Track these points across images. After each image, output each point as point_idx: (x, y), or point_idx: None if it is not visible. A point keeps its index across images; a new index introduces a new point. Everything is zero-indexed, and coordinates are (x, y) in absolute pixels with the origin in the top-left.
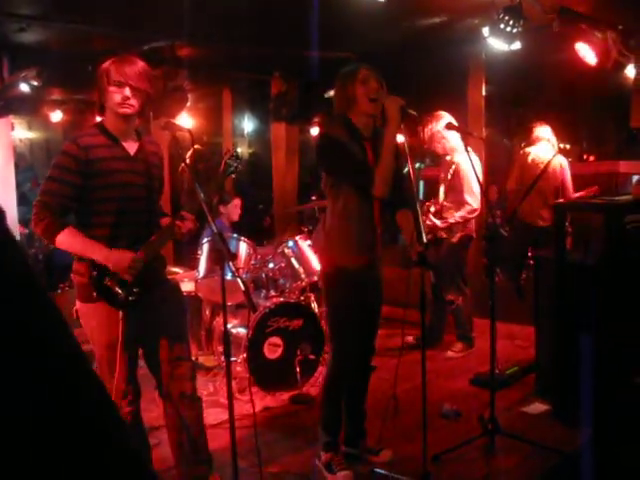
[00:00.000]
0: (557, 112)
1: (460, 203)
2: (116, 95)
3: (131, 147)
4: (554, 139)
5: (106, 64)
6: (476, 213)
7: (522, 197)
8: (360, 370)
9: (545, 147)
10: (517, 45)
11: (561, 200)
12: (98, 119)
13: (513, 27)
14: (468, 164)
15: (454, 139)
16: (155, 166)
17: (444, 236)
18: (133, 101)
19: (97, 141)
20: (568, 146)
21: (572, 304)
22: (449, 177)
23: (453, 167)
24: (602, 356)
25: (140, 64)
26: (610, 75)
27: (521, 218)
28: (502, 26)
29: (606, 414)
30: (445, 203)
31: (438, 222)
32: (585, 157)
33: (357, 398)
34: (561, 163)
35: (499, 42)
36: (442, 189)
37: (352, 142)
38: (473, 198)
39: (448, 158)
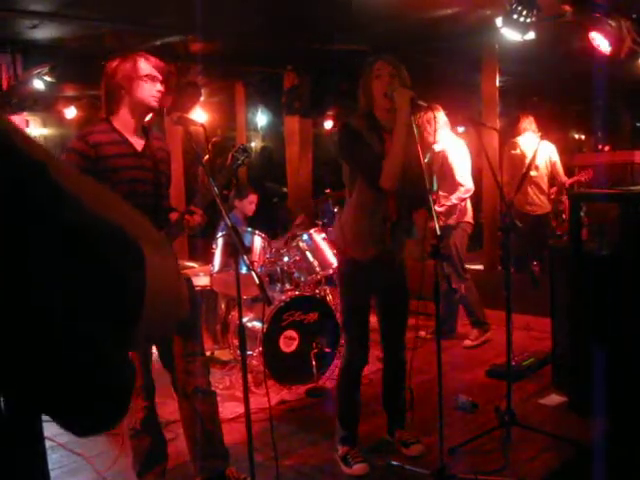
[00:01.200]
0: (572, 102)
1: (453, 187)
2: (150, 88)
3: (138, 143)
4: (536, 129)
5: (125, 61)
6: (470, 192)
7: (516, 188)
8: (393, 367)
9: (530, 137)
10: (531, 35)
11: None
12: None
13: (526, 17)
14: (455, 150)
15: (443, 130)
16: (162, 161)
17: (443, 223)
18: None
19: (105, 138)
20: (583, 136)
21: (588, 295)
22: (439, 166)
23: (440, 155)
24: (619, 348)
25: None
26: (625, 64)
27: (517, 208)
28: (515, 16)
29: (623, 406)
30: (440, 192)
31: (437, 207)
32: (600, 147)
33: (393, 393)
34: (549, 149)
35: (513, 32)
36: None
37: (371, 133)
38: (464, 178)
39: (437, 149)
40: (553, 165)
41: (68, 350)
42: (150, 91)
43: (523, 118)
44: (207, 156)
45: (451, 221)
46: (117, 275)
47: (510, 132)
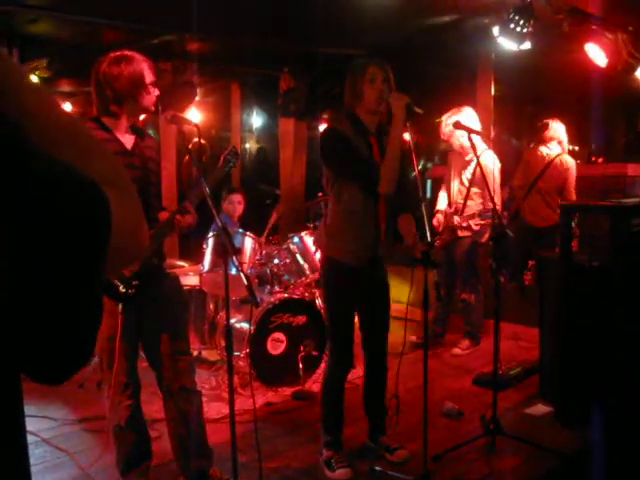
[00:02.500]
0: (566, 113)
1: (484, 202)
2: (151, 97)
3: (128, 141)
4: (566, 139)
5: (129, 64)
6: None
7: (523, 196)
8: (375, 372)
9: (555, 147)
10: (527, 45)
11: (561, 202)
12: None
13: (523, 27)
14: (490, 164)
15: (474, 137)
16: (151, 160)
17: (464, 235)
18: None
19: (95, 136)
20: (577, 147)
21: (577, 306)
22: (469, 176)
23: (476, 167)
24: (606, 359)
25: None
26: (620, 77)
27: (522, 217)
28: (512, 26)
29: (609, 417)
30: (470, 203)
31: (472, 224)
32: (593, 159)
33: (375, 398)
34: (564, 163)
35: (509, 42)
36: (456, 186)
37: (357, 137)
38: (498, 198)
39: (467, 158)
40: (566, 180)
41: (37, 285)
42: (153, 98)
43: (550, 125)
44: (197, 156)
45: (483, 239)
46: (83, 219)
47: (527, 141)
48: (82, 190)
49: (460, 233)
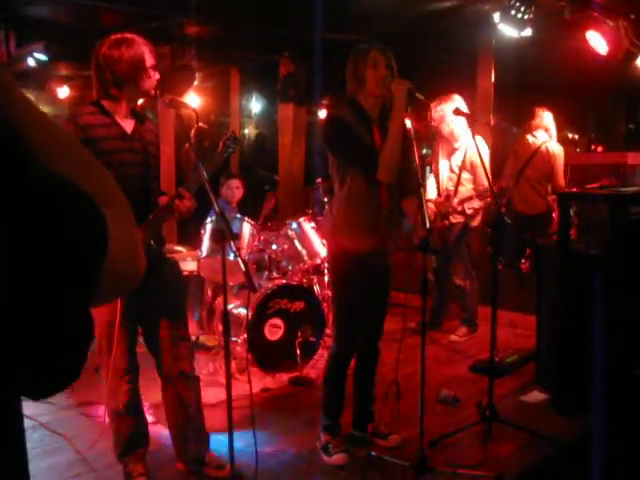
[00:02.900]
0: (566, 101)
1: (480, 188)
2: (152, 81)
3: (128, 125)
4: (554, 127)
5: (130, 47)
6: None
7: (513, 185)
8: (368, 354)
9: (541, 135)
10: (528, 32)
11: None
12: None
13: (524, 14)
14: (480, 151)
15: (463, 125)
16: (151, 144)
17: (456, 221)
18: None
19: (95, 120)
20: (577, 136)
21: (574, 294)
22: (459, 162)
23: (466, 155)
24: (602, 347)
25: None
26: (621, 65)
27: (513, 206)
28: (513, 12)
29: (605, 405)
30: (461, 189)
31: (466, 208)
32: (593, 147)
33: (366, 381)
34: (550, 151)
35: (510, 28)
36: (446, 173)
37: (359, 124)
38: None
39: (456, 145)
40: (553, 167)
41: (26, 299)
42: (153, 82)
43: (537, 113)
44: (195, 141)
45: (474, 223)
46: (79, 235)
47: (527, 126)
48: (79, 201)
49: (452, 219)
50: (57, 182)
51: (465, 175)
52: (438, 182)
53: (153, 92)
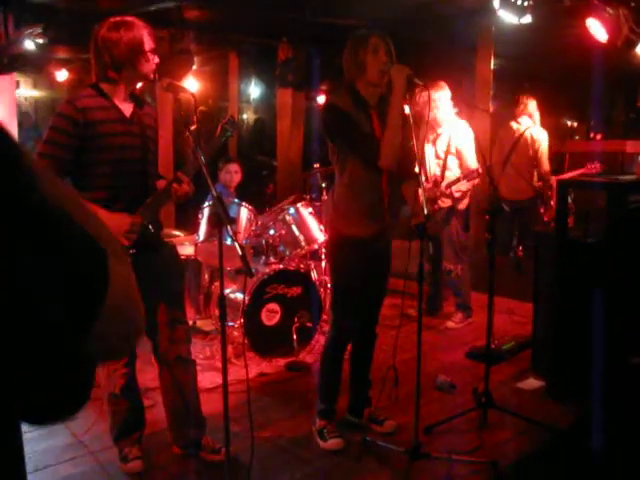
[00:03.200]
0: (566, 88)
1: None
2: (150, 64)
3: (127, 109)
4: (537, 114)
5: (129, 30)
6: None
7: (500, 172)
8: (365, 339)
9: (525, 122)
10: (528, 19)
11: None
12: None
13: (524, 0)
14: (463, 135)
15: (447, 111)
16: (150, 127)
17: (444, 205)
18: None
19: (94, 103)
20: (575, 123)
21: (571, 282)
22: (444, 147)
23: (451, 140)
24: (599, 335)
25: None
26: (620, 53)
27: (500, 193)
28: None
29: (601, 394)
30: (447, 174)
31: (455, 193)
32: (592, 135)
33: (362, 367)
34: (533, 136)
35: (509, 15)
36: (433, 159)
37: (358, 111)
38: (477, 164)
39: (439, 130)
40: (537, 153)
41: (25, 333)
42: (152, 65)
43: (521, 100)
44: (194, 125)
45: (462, 206)
46: (80, 269)
47: (508, 114)
48: (80, 235)
49: (441, 203)
50: (55, 211)
51: (451, 159)
52: (424, 168)
53: (152, 76)
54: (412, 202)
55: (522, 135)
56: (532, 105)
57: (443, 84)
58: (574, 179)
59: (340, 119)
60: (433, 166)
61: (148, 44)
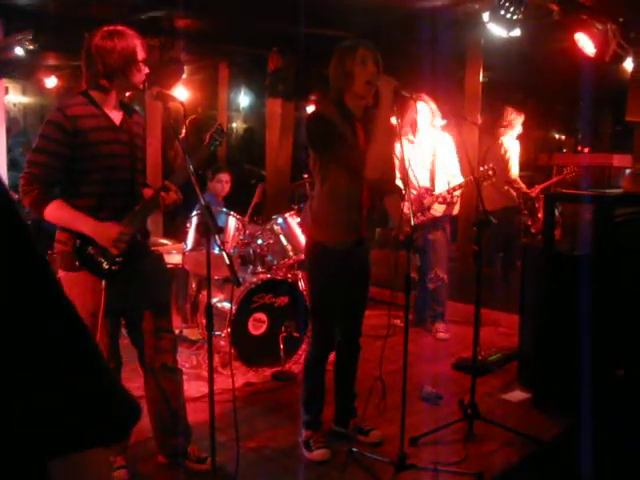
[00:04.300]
0: (554, 102)
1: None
2: (141, 75)
3: (116, 117)
4: (515, 124)
5: (122, 39)
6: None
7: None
8: (348, 351)
9: (503, 132)
10: (517, 32)
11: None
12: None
13: (514, 14)
14: (446, 145)
15: (425, 122)
16: (138, 136)
17: (438, 214)
18: None
19: (84, 111)
20: (563, 137)
21: (558, 294)
22: (430, 159)
23: (436, 149)
24: (585, 347)
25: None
26: (608, 67)
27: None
28: (502, 12)
29: (586, 406)
30: (437, 182)
31: (455, 198)
32: (579, 148)
33: (346, 378)
34: (504, 145)
35: (499, 28)
36: (421, 169)
37: (343, 122)
38: (458, 175)
39: (415, 140)
40: (506, 160)
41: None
42: (143, 75)
43: (506, 114)
44: (183, 134)
45: (455, 212)
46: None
47: (495, 125)
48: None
49: (433, 212)
50: None
51: (438, 168)
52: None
53: (142, 86)
54: (396, 215)
55: (493, 144)
56: (511, 115)
57: (423, 95)
58: (561, 192)
59: (324, 129)
60: (422, 176)
61: (140, 54)
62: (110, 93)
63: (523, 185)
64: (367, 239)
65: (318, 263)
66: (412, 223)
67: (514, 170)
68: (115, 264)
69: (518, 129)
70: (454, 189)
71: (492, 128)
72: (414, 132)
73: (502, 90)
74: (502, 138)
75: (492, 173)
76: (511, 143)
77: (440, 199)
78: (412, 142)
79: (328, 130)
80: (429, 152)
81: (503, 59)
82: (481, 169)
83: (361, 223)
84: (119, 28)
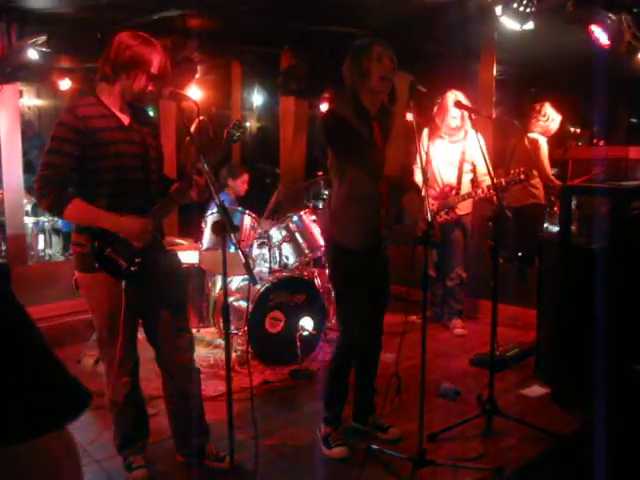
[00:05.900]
0: (569, 95)
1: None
2: (144, 85)
3: (125, 117)
4: (543, 119)
5: (145, 45)
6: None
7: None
8: (370, 348)
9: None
10: (530, 25)
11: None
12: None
13: (527, 7)
14: (475, 143)
15: (460, 118)
16: (149, 134)
17: (463, 212)
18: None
19: (93, 112)
20: (579, 130)
21: (575, 288)
22: (459, 157)
23: (466, 148)
24: (603, 342)
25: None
26: (623, 59)
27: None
28: (515, 5)
29: (605, 400)
30: (463, 181)
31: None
32: (595, 141)
33: (367, 375)
34: (531, 142)
35: (512, 22)
36: (445, 167)
37: (359, 121)
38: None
39: (455, 137)
40: (536, 158)
41: None
42: (141, 87)
43: (544, 112)
44: (188, 137)
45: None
46: None
47: (529, 122)
48: None
49: (458, 211)
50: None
51: (466, 167)
52: (433, 175)
53: (140, 96)
54: (414, 212)
55: (521, 141)
56: (557, 120)
57: (456, 92)
58: (578, 185)
59: (342, 128)
60: (447, 174)
61: (153, 68)
62: (114, 87)
63: (558, 182)
64: (386, 238)
65: (340, 264)
66: (429, 219)
67: (546, 169)
68: (134, 265)
69: (554, 127)
70: (489, 188)
71: (520, 125)
72: (451, 134)
73: (516, 84)
74: (536, 136)
75: (524, 177)
76: (543, 141)
77: (465, 197)
78: (454, 142)
79: (346, 129)
80: (458, 150)
81: (517, 52)
82: (512, 172)
83: (380, 222)
84: (150, 38)
